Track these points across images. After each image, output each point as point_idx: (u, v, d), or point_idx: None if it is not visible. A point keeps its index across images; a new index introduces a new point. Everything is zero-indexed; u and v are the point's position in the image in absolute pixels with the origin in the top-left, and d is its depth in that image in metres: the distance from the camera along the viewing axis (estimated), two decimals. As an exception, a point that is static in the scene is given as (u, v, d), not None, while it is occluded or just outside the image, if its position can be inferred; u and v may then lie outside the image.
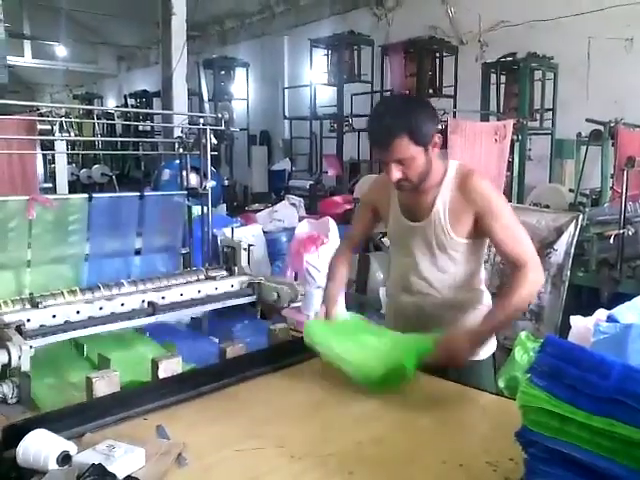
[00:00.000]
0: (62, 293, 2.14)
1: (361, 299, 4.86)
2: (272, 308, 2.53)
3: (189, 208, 3.07)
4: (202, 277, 2.61)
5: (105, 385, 1.59)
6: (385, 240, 4.48)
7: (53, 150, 4.13)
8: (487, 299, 2.03)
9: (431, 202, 1.92)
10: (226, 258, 2.77)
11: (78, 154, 11.43)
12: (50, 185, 4.50)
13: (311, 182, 9.80)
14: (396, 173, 1.82)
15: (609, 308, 2.87)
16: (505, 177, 5.97)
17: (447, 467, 1.34)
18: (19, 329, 1.84)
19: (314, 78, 10.87)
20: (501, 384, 3.01)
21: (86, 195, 2.63)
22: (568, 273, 3.90)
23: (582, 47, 8.00)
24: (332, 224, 4.26)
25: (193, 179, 3.18)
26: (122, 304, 2.16)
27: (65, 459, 1.27)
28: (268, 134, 13.71)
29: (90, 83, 20.63)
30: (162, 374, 1.70)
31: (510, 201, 5.21)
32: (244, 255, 2.67)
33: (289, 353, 1.98)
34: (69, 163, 9.12)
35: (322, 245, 4.09)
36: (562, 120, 8.21)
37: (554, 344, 1.15)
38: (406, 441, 1.48)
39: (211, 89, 12.11)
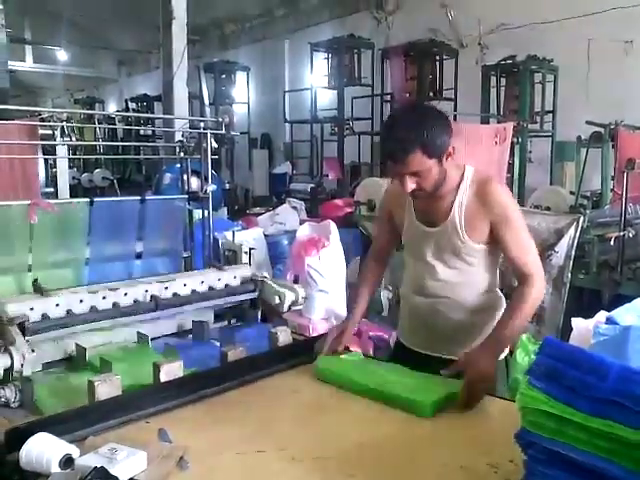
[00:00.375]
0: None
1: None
2: (273, 311, 2.53)
3: (190, 212, 3.08)
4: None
5: (107, 389, 1.60)
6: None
7: (55, 154, 4.15)
8: (501, 302, 2.04)
9: (447, 208, 1.92)
10: (227, 261, 2.77)
11: (79, 158, 11.46)
12: (52, 189, 4.52)
13: (312, 185, 9.83)
14: (410, 185, 1.82)
15: (610, 310, 2.86)
16: (505, 179, 5.98)
17: (448, 469, 1.35)
18: (22, 326, 1.85)
19: (315, 81, 10.90)
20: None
21: (87, 199, 2.63)
22: (569, 275, 3.89)
23: (582, 49, 8.01)
24: (333, 227, 4.26)
25: (194, 183, 3.18)
26: (125, 294, 2.17)
27: (67, 462, 1.28)
28: (269, 137, 13.75)
29: (91, 87, 20.71)
30: (164, 378, 1.71)
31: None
32: (245, 258, 2.68)
33: (290, 356, 1.99)
34: (70, 167, 9.14)
35: (323, 248, 4.10)
36: (562, 122, 8.23)
37: (553, 346, 1.15)
38: (407, 444, 1.49)
39: (212, 93, 12.14)
